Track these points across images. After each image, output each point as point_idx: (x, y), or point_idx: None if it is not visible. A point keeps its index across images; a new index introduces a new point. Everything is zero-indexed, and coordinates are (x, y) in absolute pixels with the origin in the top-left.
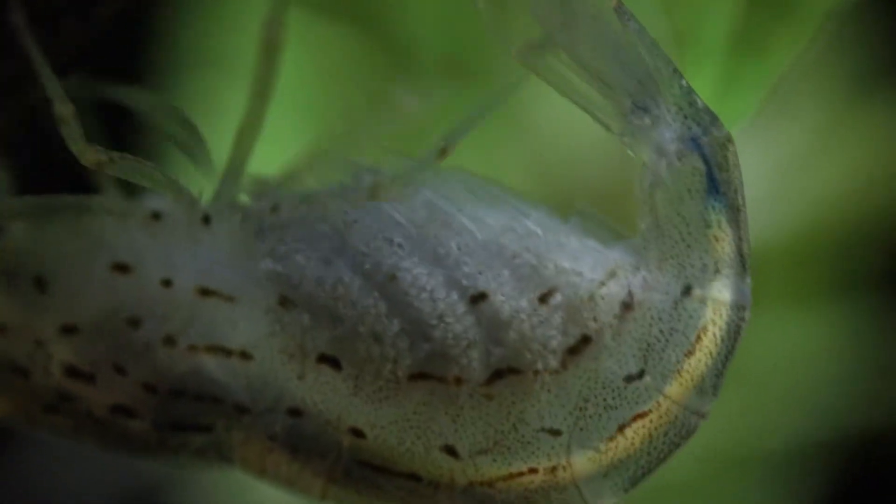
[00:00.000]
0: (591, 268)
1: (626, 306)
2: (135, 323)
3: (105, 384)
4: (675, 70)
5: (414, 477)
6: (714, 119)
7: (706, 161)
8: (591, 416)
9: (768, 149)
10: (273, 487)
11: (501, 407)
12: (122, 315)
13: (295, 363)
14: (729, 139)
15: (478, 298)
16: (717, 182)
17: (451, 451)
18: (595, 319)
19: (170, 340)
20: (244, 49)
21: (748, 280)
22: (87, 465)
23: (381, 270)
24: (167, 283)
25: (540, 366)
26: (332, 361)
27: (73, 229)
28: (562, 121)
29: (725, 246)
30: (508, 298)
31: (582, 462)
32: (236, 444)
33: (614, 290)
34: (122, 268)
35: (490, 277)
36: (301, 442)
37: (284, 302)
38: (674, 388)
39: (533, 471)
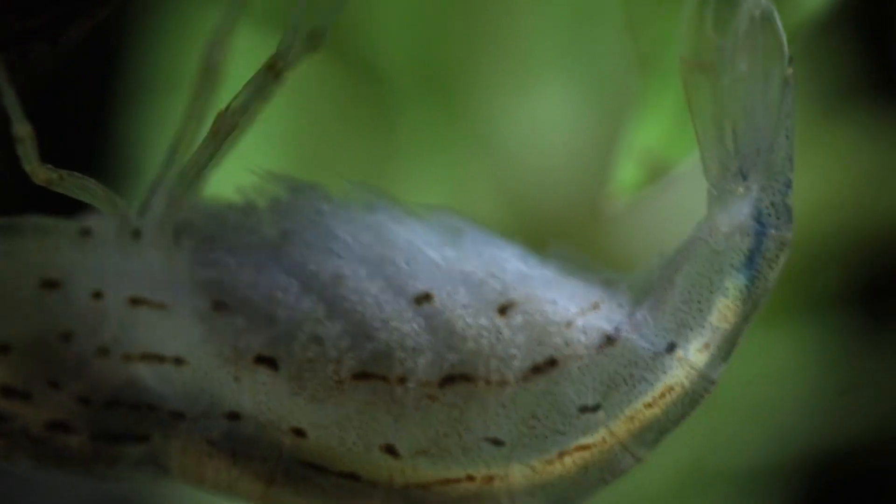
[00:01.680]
0: (569, 297)
1: (610, 340)
2: (67, 337)
3: (41, 401)
4: (790, 160)
5: (353, 476)
6: (789, 220)
7: (759, 248)
8: (537, 436)
9: None
10: (213, 495)
11: (447, 411)
12: (54, 330)
13: (231, 366)
14: (788, 243)
15: (422, 299)
16: (756, 268)
17: (391, 450)
18: (567, 345)
19: (103, 351)
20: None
21: (725, 365)
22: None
23: (321, 274)
24: (98, 295)
25: (495, 377)
26: (270, 362)
27: (2, 250)
28: (530, 143)
29: (727, 325)
30: (463, 306)
31: (517, 477)
32: (174, 453)
33: (595, 322)
34: (51, 284)
35: (436, 279)
36: (240, 445)
37: (218, 307)
38: (621, 428)
39: (470, 478)
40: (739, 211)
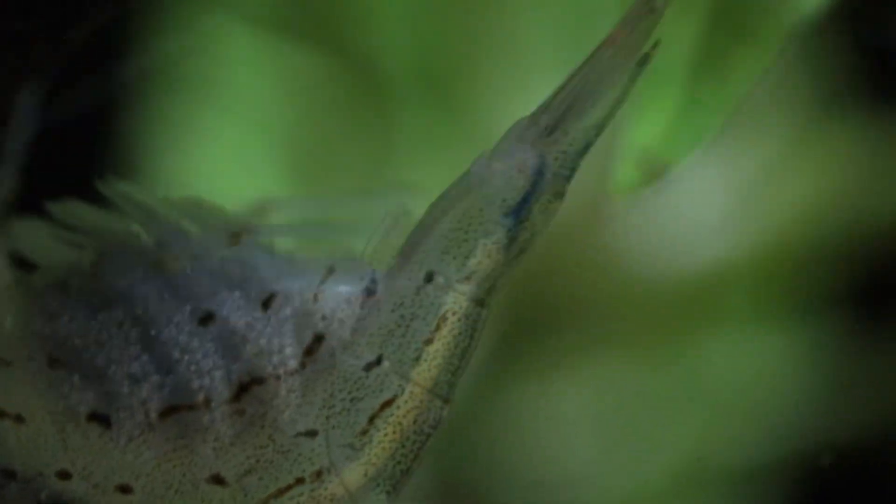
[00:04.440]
0: (313, 272)
1: (369, 292)
2: None
3: None
4: (599, 129)
5: None
6: (570, 176)
7: (535, 188)
8: (340, 412)
9: (730, 169)
10: None
11: (254, 420)
12: None
13: (63, 423)
14: (562, 194)
15: (206, 320)
16: (526, 211)
17: (218, 479)
18: (324, 317)
19: None
20: (219, 75)
21: (494, 297)
22: None
23: (126, 316)
24: None
25: (281, 371)
26: (103, 419)
27: None
28: None
29: (490, 263)
30: (236, 314)
31: (341, 461)
32: None
33: (340, 286)
34: None
35: (216, 298)
36: None
37: (53, 363)
38: (413, 372)
39: (300, 480)
40: (527, 153)
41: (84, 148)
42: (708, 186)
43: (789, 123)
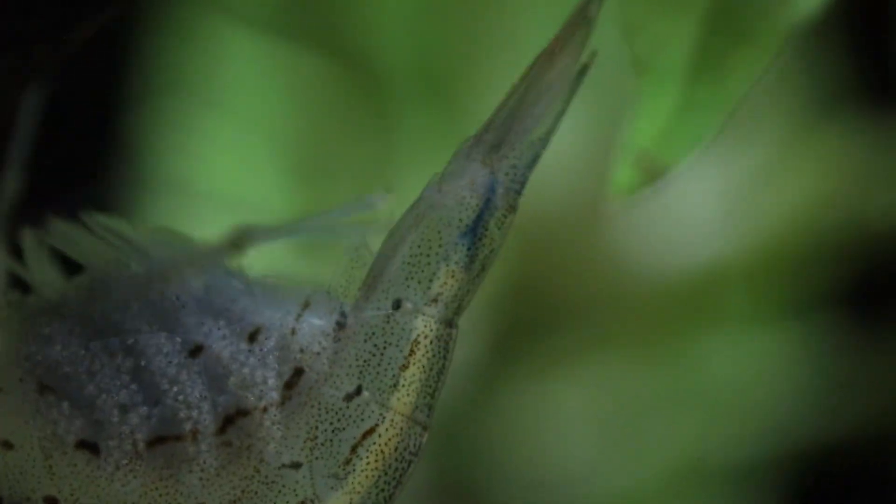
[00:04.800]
0: (286, 306)
1: (340, 325)
2: None
3: None
4: (546, 141)
5: None
6: (521, 189)
7: (488, 205)
8: (323, 443)
9: (728, 170)
10: None
11: (240, 451)
12: None
13: (51, 449)
14: (516, 208)
15: (196, 352)
16: (482, 229)
17: None
18: (302, 350)
19: None
20: (220, 76)
21: (460, 315)
22: None
23: (118, 346)
24: None
25: (264, 403)
26: (91, 447)
27: None
28: None
29: (455, 284)
30: (223, 346)
31: (325, 491)
32: None
33: (315, 319)
34: None
35: (203, 329)
36: None
37: (43, 389)
38: (394, 401)
39: None
40: (476, 171)
41: (87, 149)
42: (706, 187)
43: (787, 124)
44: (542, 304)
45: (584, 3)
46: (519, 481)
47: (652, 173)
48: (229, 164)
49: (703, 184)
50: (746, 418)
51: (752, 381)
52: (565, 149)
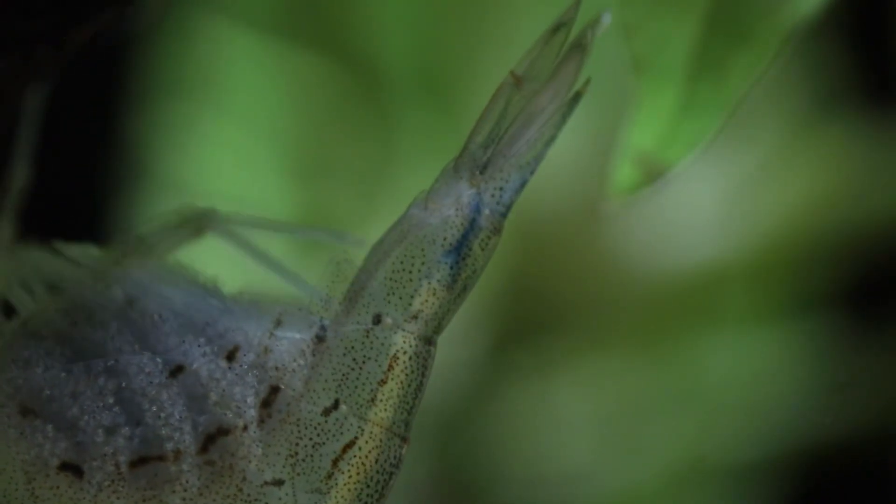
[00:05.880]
0: (264, 320)
1: (318, 340)
2: None
3: None
4: (535, 165)
5: None
6: (507, 211)
7: (473, 226)
8: (304, 459)
9: (728, 170)
10: None
11: (223, 470)
12: None
13: (33, 472)
14: (500, 230)
15: (176, 371)
16: (466, 249)
17: None
18: (277, 368)
19: None
20: (220, 76)
21: (439, 333)
22: None
23: (100, 367)
24: None
25: (243, 422)
26: (74, 469)
27: None
28: None
29: (436, 302)
30: (202, 365)
31: None
32: None
33: (293, 334)
34: None
35: (182, 348)
36: None
37: (26, 412)
38: (370, 413)
39: None
40: (463, 191)
41: (87, 150)
42: (706, 187)
43: (787, 124)
44: (541, 305)
45: (561, 21)
46: (519, 481)
47: (652, 173)
48: (229, 165)
49: (703, 184)
50: (746, 418)
51: (752, 381)
52: (565, 149)
